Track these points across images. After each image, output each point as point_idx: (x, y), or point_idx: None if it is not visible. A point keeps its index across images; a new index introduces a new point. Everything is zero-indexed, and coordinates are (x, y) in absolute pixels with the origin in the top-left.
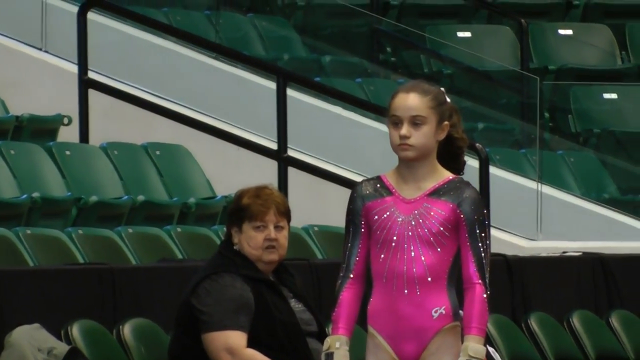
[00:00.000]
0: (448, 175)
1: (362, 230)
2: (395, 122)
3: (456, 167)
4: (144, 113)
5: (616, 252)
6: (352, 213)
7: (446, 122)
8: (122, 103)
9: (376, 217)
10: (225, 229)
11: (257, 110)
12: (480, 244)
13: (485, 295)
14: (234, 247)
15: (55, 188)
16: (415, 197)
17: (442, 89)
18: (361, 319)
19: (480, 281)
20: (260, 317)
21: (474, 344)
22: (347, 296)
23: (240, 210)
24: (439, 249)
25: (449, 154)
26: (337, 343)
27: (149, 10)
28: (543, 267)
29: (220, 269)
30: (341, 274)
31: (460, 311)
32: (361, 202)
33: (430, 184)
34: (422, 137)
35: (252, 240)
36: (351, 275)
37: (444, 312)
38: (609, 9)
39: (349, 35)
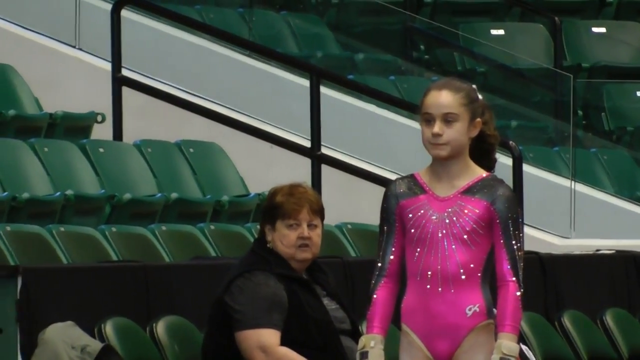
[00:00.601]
0: (481, 173)
1: (396, 228)
2: (427, 120)
3: (487, 164)
4: (177, 111)
5: None
6: (386, 212)
7: (478, 119)
8: (155, 101)
9: (410, 215)
10: (258, 226)
11: (290, 107)
12: (514, 242)
13: (518, 293)
14: (268, 245)
15: (88, 185)
16: (449, 195)
17: (474, 86)
18: (395, 317)
19: (513, 279)
20: (294, 315)
21: (507, 342)
22: (381, 295)
23: (273, 208)
24: (472, 247)
25: (480, 151)
26: (372, 342)
27: (182, 7)
28: (576, 265)
29: (253, 267)
30: (376, 273)
31: (494, 309)
32: (395, 201)
33: (464, 182)
34: (454, 134)
35: (285, 239)
36: (386, 274)
37: (478, 310)
38: None
39: (382, 33)
